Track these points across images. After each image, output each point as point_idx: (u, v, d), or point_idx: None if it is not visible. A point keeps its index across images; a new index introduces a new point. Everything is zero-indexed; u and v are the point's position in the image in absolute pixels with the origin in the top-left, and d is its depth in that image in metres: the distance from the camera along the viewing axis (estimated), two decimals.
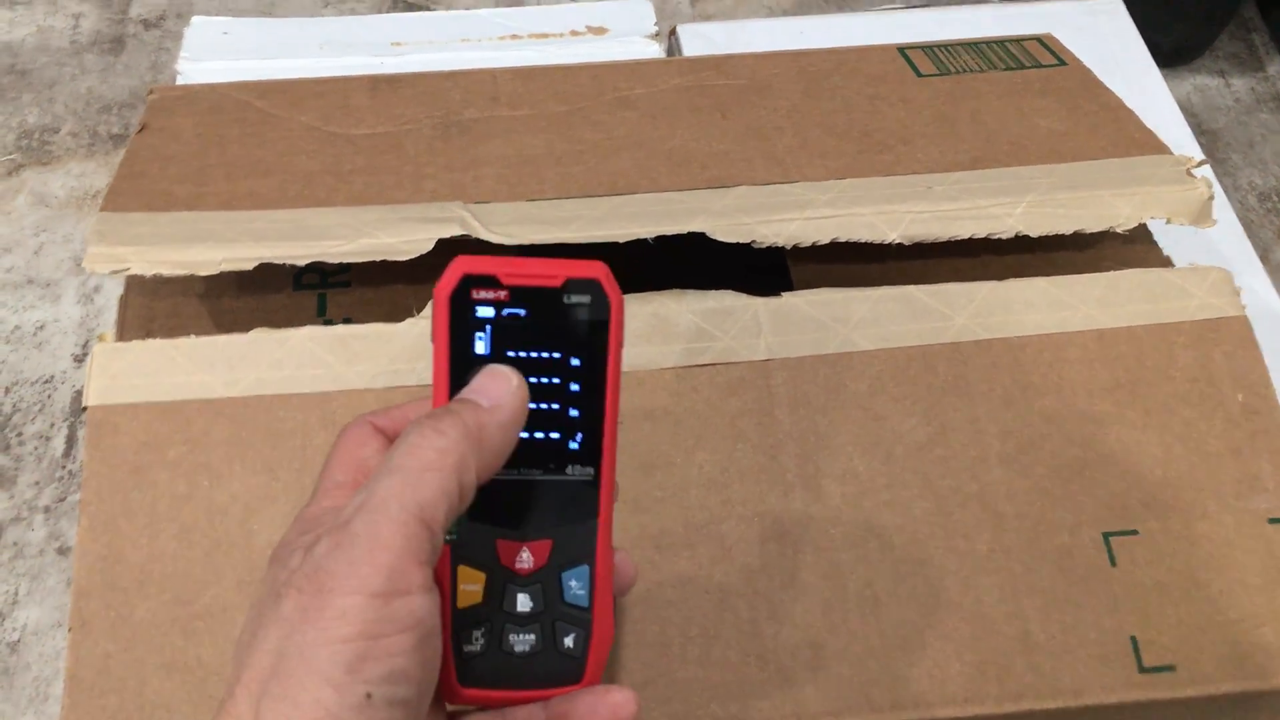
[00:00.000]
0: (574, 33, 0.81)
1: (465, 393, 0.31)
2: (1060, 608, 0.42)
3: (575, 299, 0.32)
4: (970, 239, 0.49)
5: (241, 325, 0.47)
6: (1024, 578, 0.43)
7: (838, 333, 0.47)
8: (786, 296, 0.47)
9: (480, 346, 0.32)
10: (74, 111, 0.92)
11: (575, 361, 0.32)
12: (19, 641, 0.67)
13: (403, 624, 0.27)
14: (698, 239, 0.48)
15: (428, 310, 0.46)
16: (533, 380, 0.32)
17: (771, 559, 0.43)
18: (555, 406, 0.32)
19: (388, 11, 1.03)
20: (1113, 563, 0.43)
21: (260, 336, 0.45)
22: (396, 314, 0.46)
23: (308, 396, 0.44)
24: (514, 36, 0.80)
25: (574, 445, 0.33)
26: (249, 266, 0.45)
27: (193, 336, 0.45)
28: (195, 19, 0.79)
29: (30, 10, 0.99)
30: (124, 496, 0.42)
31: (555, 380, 0.32)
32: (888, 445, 0.45)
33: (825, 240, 0.48)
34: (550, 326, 0.32)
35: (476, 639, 0.32)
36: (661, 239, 0.48)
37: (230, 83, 0.58)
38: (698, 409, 0.45)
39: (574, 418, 0.32)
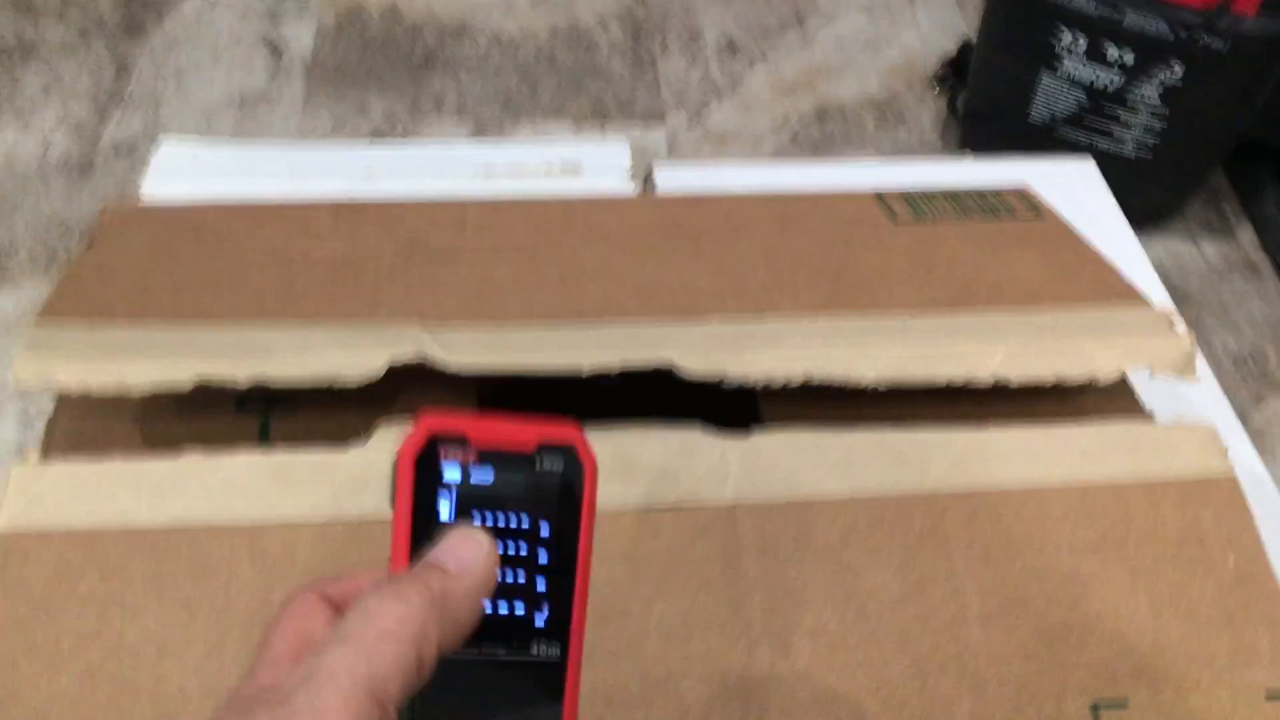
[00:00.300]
0: (549, 166, 0.80)
1: (431, 556, 0.28)
2: None
3: (548, 464, 0.30)
4: (948, 385, 0.47)
5: (177, 450, 0.44)
6: None
7: (809, 477, 0.44)
8: (756, 438, 0.45)
9: (444, 510, 0.30)
10: (34, 233, 0.91)
11: (545, 530, 0.30)
12: None
13: None
14: (666, 373, 0.46)
15: (375, 439, 0.43)
16: (499, 549, 0.30)
17: None
18: (522, 579, 0.30)
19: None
20: None
21: (191, 462, 0.42)
22: (346, 442, 0.43)
23: (237, 529, 0.41)
24: (488, 167, 0.80)
25: (540, 622, 0.30)
26: (186, 387, 0.42)
27: (118, 459, 0.42)
28: (164, 141, 0.78)
29: (0, 133, 0.99)
30: (27, 632, 0.39)
31: (523, 550, 0.30)
32: (860, 600, 0.42)
33: (798, 380, 0.46)
34: (520, 491, 0.30)
35: None
36: (627, 372, 0.46)
37: (187, 203, 0.57)
38: (658, 555, 0.42)
39: (540, 592, 0.30)
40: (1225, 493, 0.45)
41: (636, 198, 0.60)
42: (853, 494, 0.44)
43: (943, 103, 1.10)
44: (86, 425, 0.47)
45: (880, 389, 0.47)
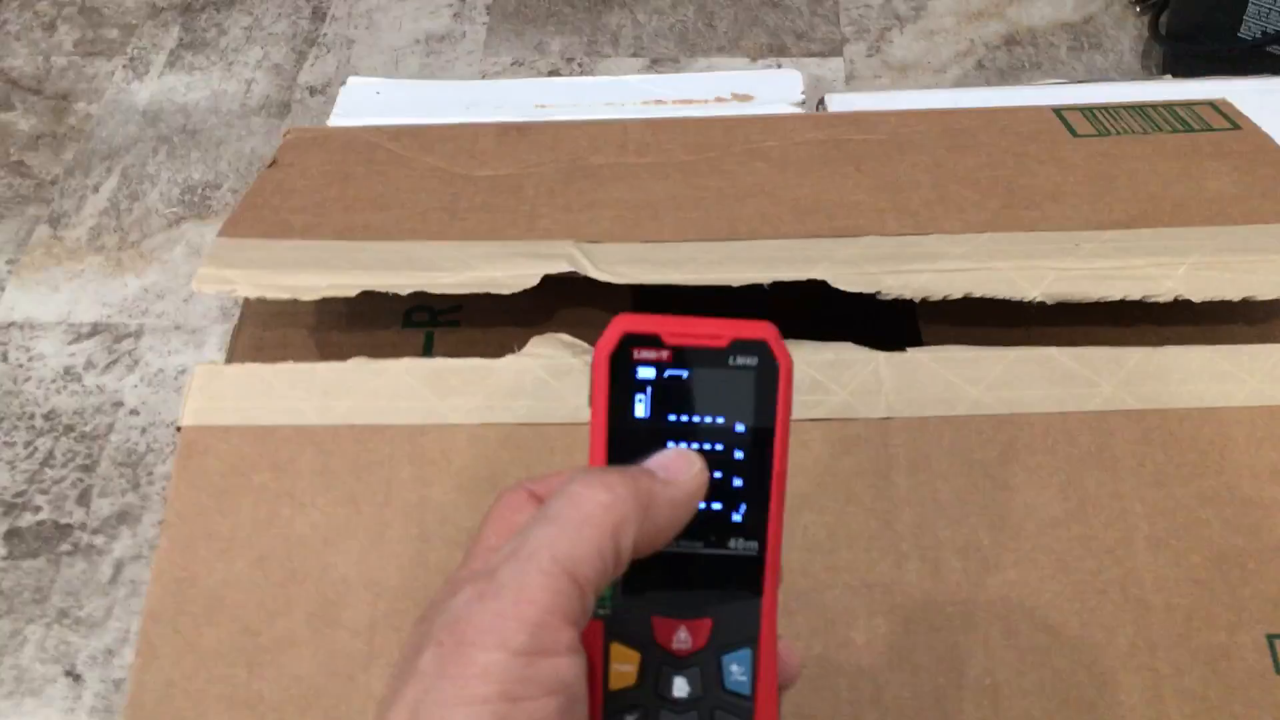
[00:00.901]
0: (719, 99, 0.80)
1: (645, 462, 0.29)
2: (1213, 716, 0.37)
3: (741, 360, 0.30)
4: (1124, 303, 0.45)
5: (345, 358, 0.46)
6: (1171, 679, 0.37)
7: (967, 394, 0.43)
8: (912, 352, 0.43)
9: (640, 409, 0.30)
10: (236, 169, 0.96)
11: (740, 428, 0.30)
12: (125, 680, 0.67)
13: (547, 687, 0.25)
14: (820, 292, 0.45)
15: (528, 346, 0.44)
16: (695, 446, 0.30)
17: (878, 636, 0.39)
18: (718, 475, 0.30)
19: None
20: (1278, 669, 0.37)
21: (357, 366, 0.44)
22: (503, 355, 0.44)
23: (398, 429, 0.43)
24: (658, 101, 0.80)
25: (737, 517, 0.30)
26: (351, 293, 0.44)
27: (290, 363, 0.44)
28: (351, 80, 0.81)
29: (207, 75, 1.05)
30: (205, 520, 0.41)
31: (719, 447, 0.30)
32: (1017, 519, 0.40)
33: (958, 294, 0.44)
34: (715, 389, 0.30)
35: None
36: (780, 290, 0.45)
37: (363, 126, 0.59)
38: (806, 466, 0.42)
39: (738, 488, 0.30)
40: None
41: (799, 115, 0.59)
42: (1013, 411, 0.42)
43: (1144, 23, 1.04)
44: (267, 335, 0.50)
45: (1048, 305, 0.45)
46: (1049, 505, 0.40)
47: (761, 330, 0.30)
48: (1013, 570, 0.39)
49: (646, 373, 0.30)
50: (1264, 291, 0.44)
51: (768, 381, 0.30)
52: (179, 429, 0.43)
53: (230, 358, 0.49)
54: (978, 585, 0.39)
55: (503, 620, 0.24)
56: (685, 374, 0.30)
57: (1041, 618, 0.39)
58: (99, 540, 0.74)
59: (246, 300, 0.51)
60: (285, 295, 0.44)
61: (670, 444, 0.29)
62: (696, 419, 0.30)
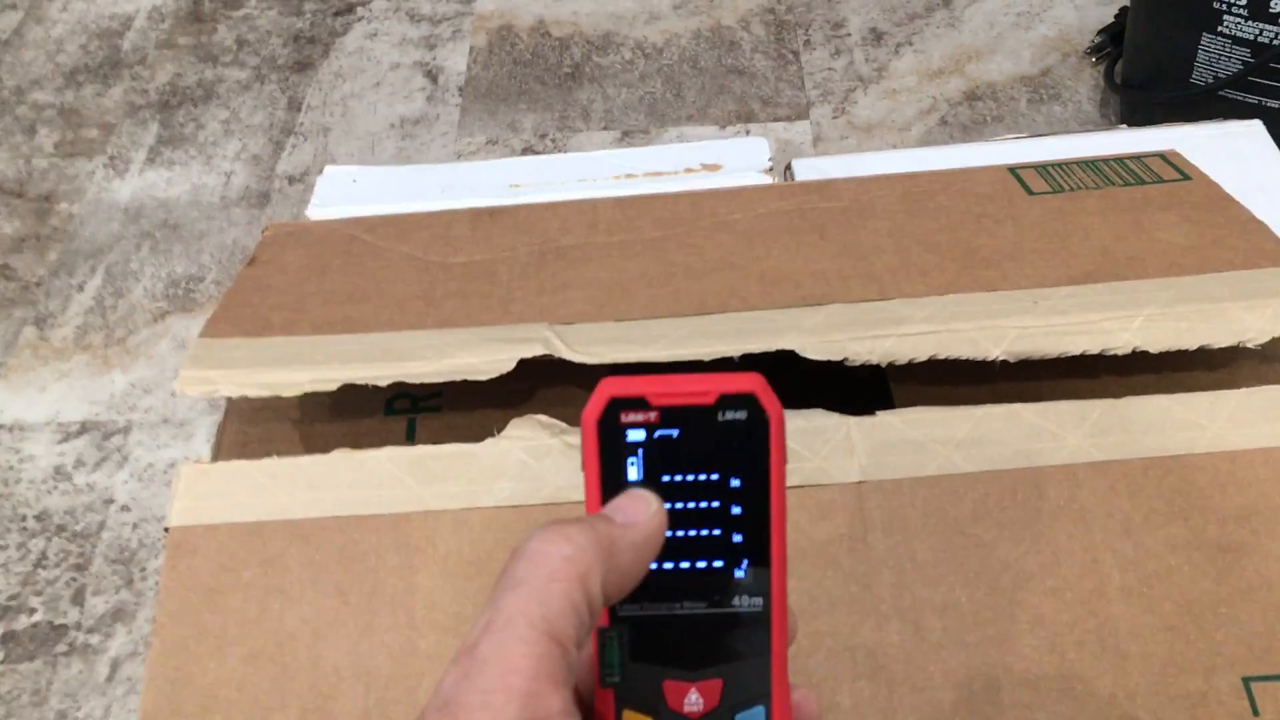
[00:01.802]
0: (688, 170, 0.82)
1: (602, 510, 0.29)
2: None
3: (731, 415, 0.30)
4: (1085, 358, 0.46)
5: (330, 449, 0.47)
6: None
7: (937, 453, 0.44)
8: (881, 415, 0.44)
9: (633, 472, 0.30)
10: (218, 261, 0.97)
11: (735, 482, 0.30)
12: None
13: None
14: (790, 364, 0.46)
15: (508, 429, 0.45)
16: (691, 505, 0.30)
17: (863, 698, 0.39)
18: (717, 532, 0.30)
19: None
20: (1255, 711, 0.38)
21: (340, 457, 0.45)
22: (484, 439, 0.45)
23: (383, 518, 0.43)
24: (629, 175, 0.81)
25: (740, 574, 0.30)
26: (332, 387, 0.45)
27: (274, 458, 0.45)
28: (328, 169, 0.82)
29: (186, 169, 1.06)
30: (197, 618, 0.42)
31: (715, 504, 0.30)
32: (993, 574, 0.41)
33: (923, 357, 0.45)
34: (706, 447, 0.30)
35: None
36: (752, 362, 0.47)
37: (340, 219, 0.60)
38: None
39: (738, 544, 0.30)
40: None
41: (763, 186, 0.60)
42: (983, 469, 0.43)
43: (1099, 73, 1.06)
44: (251, 431, 0.51)
45: (1011, 363, 0.46)
46: (1023, 560, 0.41)
47: (749, 383, 0.30)
48: (991, 627, 0.40)
49: (636, 435, 0.30)
50: (1219, 340, 0.45)
51: (759, 434, 0.30)
52: (167, 530, 0.44)
53: (216, 455, 0.50)
54: (959, 644, 0.40)
55: (491, 695, 0.24)
56: (675, 433, 0.30)
57: (1021, 672, 0.39)
58: (95, 639, 0.74)
59: (230, 398, 0.52)
60: (266, 392, 0.45)
61: (666, 505, 0.29)
62: (690, 477, 0.30)
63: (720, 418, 0.30)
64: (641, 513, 0.29)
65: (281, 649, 0.41)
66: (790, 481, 0.43)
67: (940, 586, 0.41)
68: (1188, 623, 0.40)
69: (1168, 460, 0.43)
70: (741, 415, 0.30)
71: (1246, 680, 0.39)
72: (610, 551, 0.27)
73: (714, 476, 0.30)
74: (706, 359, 0.46)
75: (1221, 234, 0.52)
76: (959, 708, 0.39)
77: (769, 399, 0.30)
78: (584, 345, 0.47)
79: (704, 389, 0.30)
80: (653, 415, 0.30)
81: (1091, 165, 0.59)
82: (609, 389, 0.30)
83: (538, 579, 0.26)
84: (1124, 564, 0.41)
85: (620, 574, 0.28)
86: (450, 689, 0.25)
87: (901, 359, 0.45)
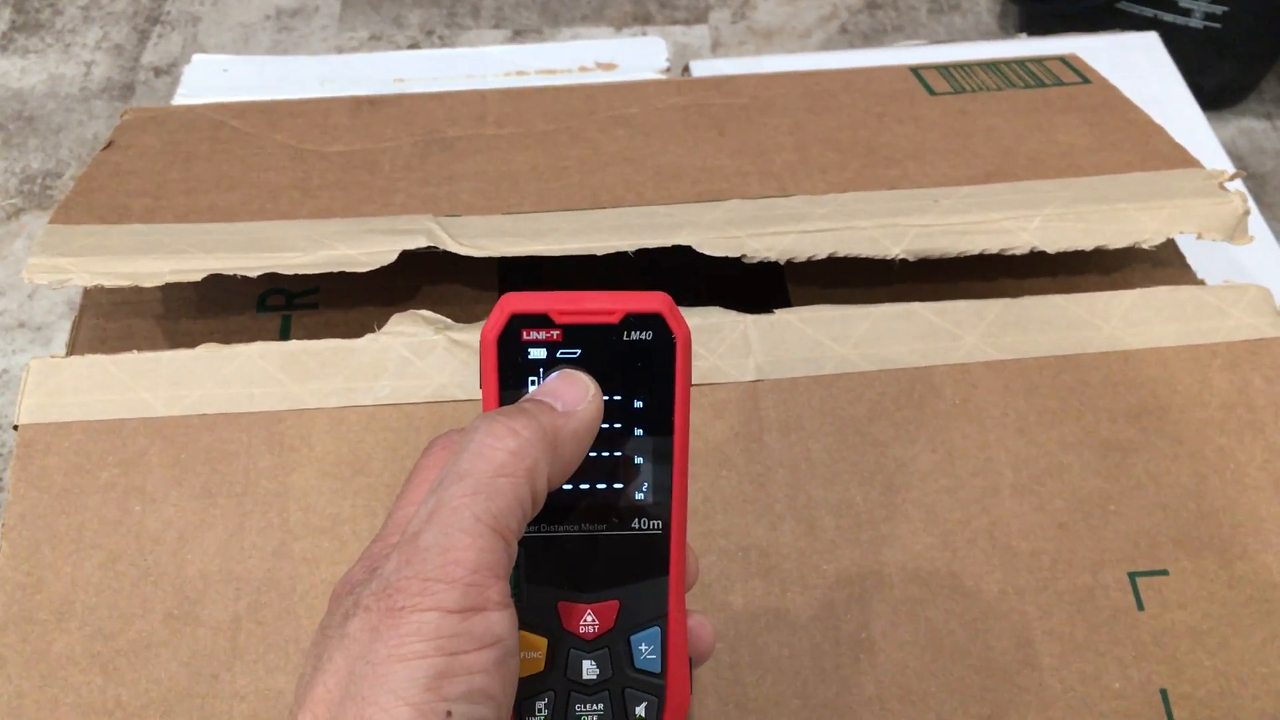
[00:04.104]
0: (583, 69, 0.79)
1: (538, 393, 0.28)
2: (1081, 656, 0.37)
3: (636, 335, 0.29)
4: (984, 258, 0.45)
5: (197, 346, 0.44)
6: (1040, 621, 0.38)
7: (834, 352, 0.43)
8: (779, 313, 0.43)
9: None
10: (78, 156, 0.91)
11: (639, 404, 0.29)
12: None
13: (482, 640, 0.25)
14: (687, 259, 0.44)
15: (389, 325, 0.43)
16: None
17: (756, 598, 0.39)
18: (619, 454, 0.29)
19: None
20: (1140, 606, 0.38)
21: (207, 352, 0.42)
22: (363, 335, 0.43)
23: (254, 416, 0.41)
24: (520, 73, 0.78)
25: (640, 496, 0.30)
26: (198, 277, 0.42)
27: (134, 352, 0.42)
28: (196, 57, 0.77)
29: (42, 59, 0.99)
30: (49, 521, 0.39)
31: (617, 425, 0.29)
32: (888, 474, 0.41)
33: (822, 255, 0.44)
34: (610, 367, 0.29)
35: (540, 710, 0.29)
36: (648, 259, 0.45)
37: (206, 104, 0.56)
38: None
39: (639, 465, 0.29)
40: (1277, 354, 0.42)
41: (661, 81, 0.58)
42: (880, 368, 0.42)
43: None
44: (110, 327, 0.48)
45: (911, 262, 0.45)
46: (918, 459, 0.41)
47: (655, 302, 0.29)
48: (885, 525, 0.40)
49: (537, 353, 0.29)
50: (1116, 240, 0.45)
51: (664, 355, 0.29)
52: (16, 427, 0.41)
53: (71, 351, 0.46)
54: (852, 542, 0.39)
55: (432, 583, 0.25)
56: (578, 352, 0.29)
57: (913, 570, 0.39)
58: None
59: (86, 290, 0.48)
60: (125, 282, 0.42)
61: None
62: None
63: (625, 337, 0.29)
64: (581, 399, 0.28)
65: (143, 553, 0.39)
66: None
67: (835, 485, 0.40)
68: (1077, 520, 0.40)
69: (1062, 359, 0.43)
70: (647, 335, 0.29)
71: (1133, 575, 0.39)
72: (554, 443, 0.27)
73: (617, 397, 0.29)
74: (600, 253, 0.44)
75: (1120, 136, 0.51)
76: (851, 605, 0.38)
77: (675, 319, 0.29)
78: (471, 238, 0.44)
79: (609, 307, 0.29)
80: (555, 333, 0.29)
81: (993, 67, 0.58)
82: (510, 305, 0.29)
83: (484, 473, 0.26)
84: (1017, 462, 0.41)
85: (563, 464, 0.28)
86: (392, 574, 0.25)
87: (801, 256, 0.44)
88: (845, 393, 0.42)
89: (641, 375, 0.29)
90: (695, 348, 0.42)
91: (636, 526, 0.30)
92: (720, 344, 0.42)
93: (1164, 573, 0.39)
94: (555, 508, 0.29)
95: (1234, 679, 0.37)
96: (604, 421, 0.29)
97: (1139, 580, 0.39)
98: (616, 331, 0.29)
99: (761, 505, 0.40)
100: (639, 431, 0.29)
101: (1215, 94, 0.98)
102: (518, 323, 0.29)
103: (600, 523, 0.30)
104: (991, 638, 0.38)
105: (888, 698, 0.37)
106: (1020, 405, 0.42)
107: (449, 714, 0.24)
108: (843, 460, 0.41)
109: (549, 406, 0.28)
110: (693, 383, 0.42)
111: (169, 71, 0.98)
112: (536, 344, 0.29)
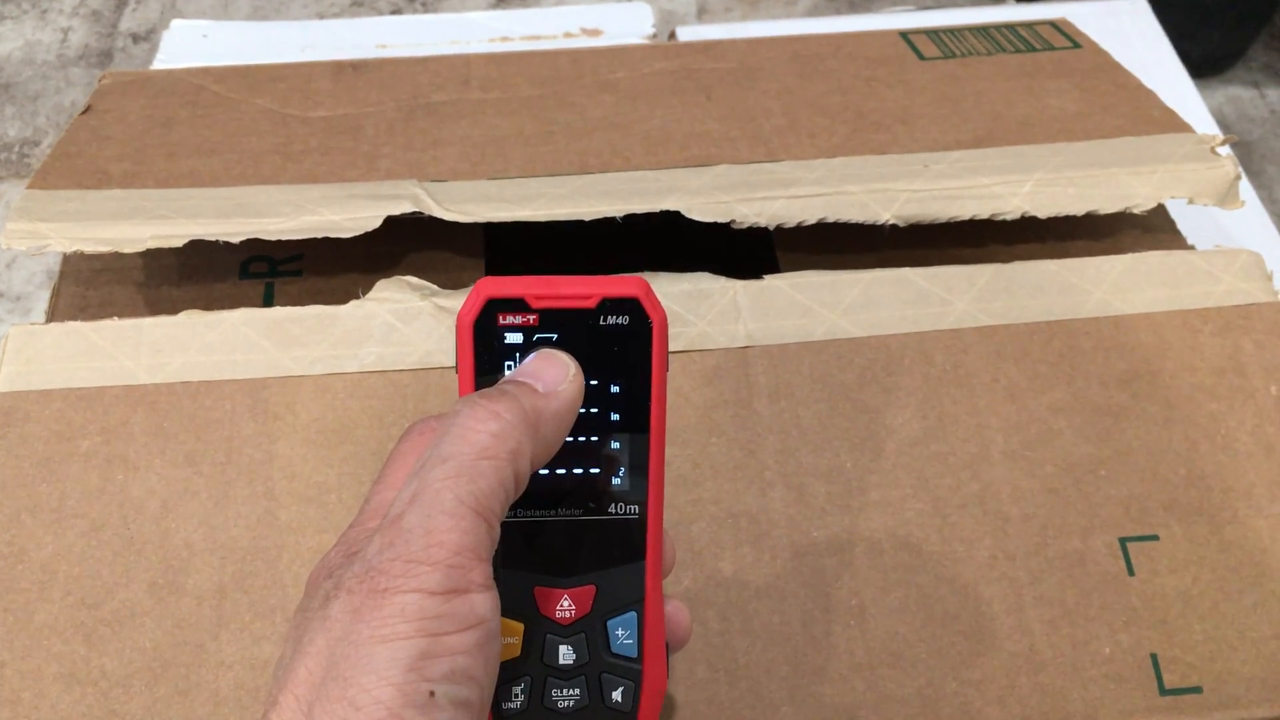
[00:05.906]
0: (568, 34, 0.78)
1: (518, 374, 0.28)
2: (1071, 621, 0.37)
3: (613, 320, 0.29)
4: (974, 223, 0.45)
5: (177, 314, 0.43)
6: (1030, 587, 0.38)
7: (824, 318, 0.42)
8: (769, 279, 0.43)
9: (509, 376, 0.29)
10: (55, 124, 0.90)
11: (615, 389, 0.29)
12: None
13: (464, 622, 0.25)
14: (676, 224, 0.44)
15: (374, 291, 0.42)
16: None
17: (746, 565, 0.38)
18: (595, 439, 0.29)
19: None
20: (1130, 571, 0.38)
21: (189, 319, 0.41)
22: (347, 302, 0.42)
23: (237, 383, 0.40)
24: (504, 39, 0.77)
25: (617, 481, 0.29)
26: (179, 243, 0.41)
27: (115, 319, 0.41)
28: (175, 22, 0.76)
29: (18, 25, 0.98)
30: (30, 490, 0.38)
31: (594, 410, 0.29)
32: (878, 440, 0.40)
33: (812, 220, 0.44)
34: (586, 351, 0.29)
35: (516, 695, 0.29)
36: (636, 224, 0.44)
37: (186, 68, 0.55)
38: (669, 399, 0.41)
39: (616, 451, 0.29)
40: (1268, 319, 0.42)
41: (648, 45, 0.57)
42: (870, 333, 0.42)
43: None
44: (90, 294, 0.47)
45: (901, 228, 0.44)
46: (908, 425, 0.41)
47: (632, 287, 0.29)
48: (875, 491, 0.39)
49: (514, 338, 0.29)
50: (1106, 205, 0.44)
51: (641, 339, 0.29)
52: None
53: (51, 319, 0.46)
54: (842, 508, 0.39)
55: (414, 565, 0.24)
56: (554, 337, 0.29)
57: (904, 536, 0.39)
58: None
59: (66, 257, 0.48)
60: (105, 249, 0.41)
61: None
62: None
63: (602, 322, 0.29)
64: (561, 378, 0.28)
65: (126, 521, 0.38)
66: (675, 346, 0.41)
67: (825, 452, 0.40)
68: (1068, 485, 0.40)
69: (1053, 325, 0.42)
70: (624, 320, 0.29)
71: (1123, 541, 0.39)
72: (536, 425, 0.27)
73: (593, 382, 0.29)
74: (587, 219, 0.43)
75: (1111, 101, 0.51)
76: (841, 571, 0.38)
77: (652, 304, 0.29)
78: (456, 203, 0.44)
79: (586, 292, 0.29)
80: (532, 318, 0.29)
81: (983, 32, 0.58)
82: (486, 289, 0.28)
83: (466, 455, 0.26)
84: (1008, 428, 0.41)
85: (546, 445, 0.28)
86: (374, 556, 0.25)
87: (790, 221, 0.43)
88: (835, 359, 0.42)
89: (618, 360, 0.29)
90: (684, 313, 0.42)
91: (613, 511, 0.30)
92: (709, 310, 0.42)
93: (1154, 538, 0.39)
94: (532, 493, 0.28)
95: (1224, 643, 0.37)
96: (582, 406, 0.29)
97: (1129, 545, 0.39)
98: (593, 316, 0.29)
99: (751, 472, 0.40)
100: (615, 416, 0.29)
101: (1203, 61, 0.97)
102: (494, 307, 0.28)
103: (576, 508, 0.29)
104: (982, 603, 0.38)
105: (878, 664, 0.37)
106: (1011, 371, 0.42)
107: (431, 694, 0.24)
108: (833, 426, 0.41)
109: (530, 388, 0.27)
110: (683, 349, 0.41)
111: (147, 38, 0.97)
112: (513, 328, 0.29)
